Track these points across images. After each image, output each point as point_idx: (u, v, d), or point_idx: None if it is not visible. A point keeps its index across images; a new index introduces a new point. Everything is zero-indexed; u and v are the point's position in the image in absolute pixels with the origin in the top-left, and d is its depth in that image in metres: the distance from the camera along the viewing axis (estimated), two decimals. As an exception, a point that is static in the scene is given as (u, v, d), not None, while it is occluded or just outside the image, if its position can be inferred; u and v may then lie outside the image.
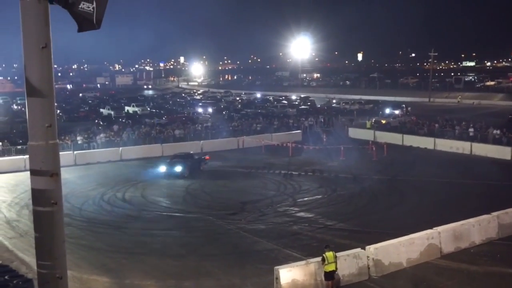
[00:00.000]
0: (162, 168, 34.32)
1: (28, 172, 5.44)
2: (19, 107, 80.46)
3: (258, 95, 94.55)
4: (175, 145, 44.47)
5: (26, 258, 19.26)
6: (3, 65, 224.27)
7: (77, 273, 17.77)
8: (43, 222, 5.42)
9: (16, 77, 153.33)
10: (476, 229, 20.62)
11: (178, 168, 33.98)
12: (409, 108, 65.61)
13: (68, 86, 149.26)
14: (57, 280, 5.45)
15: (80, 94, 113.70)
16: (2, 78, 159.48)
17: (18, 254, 20.02)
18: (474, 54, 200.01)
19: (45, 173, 5.29)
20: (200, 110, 73.79)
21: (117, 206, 27.68)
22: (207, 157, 37.00)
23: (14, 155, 38.39)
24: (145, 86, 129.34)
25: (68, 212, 25.00)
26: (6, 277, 14.97)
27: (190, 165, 34.78)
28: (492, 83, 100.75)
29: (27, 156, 5.48)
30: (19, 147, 39.32)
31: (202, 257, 19.84)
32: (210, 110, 72.99)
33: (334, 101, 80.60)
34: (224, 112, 70.40)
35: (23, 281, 14.76)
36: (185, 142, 45.52)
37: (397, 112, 61.84)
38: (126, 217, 25.64)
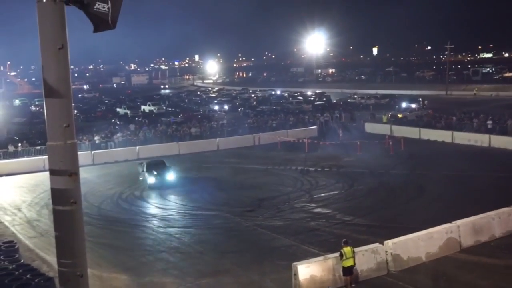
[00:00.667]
0: (151, 180, 30.97)
1: (47, 172, 5.51)
2: (37, 108, 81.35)
3: (278, 91, 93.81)
4: (192, 143, 44.67)
5: (47, 257, 19.50)
6: (21, 67, 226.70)
7: (97, 271, 17.95)
8: (63, 221, 5.48)
9: (33, 79, 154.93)
10: (496, 222, 20.41)
11: (171, 177, 31.46)
12: (425, 102, 65.07)
13: (85, 87, 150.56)
14: (78, 278, 5.51)
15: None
16: (19, 79, 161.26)
17: (39, 253, 20.28)
18: (491, 45, 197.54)
19: (64, 173, 5.35)
20: (215, 107, 74.00)
21: (135, 204, 27.93)
22: None
23: (33, 156, 38.85)
24: (162, 86, 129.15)
25: (87, 211, 25.25)
26: (28, 276, 15.19)
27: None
28: (511, 74, 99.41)
29: (46, 156, 5.56)
30: (38, 147, 39.79)
31: (220, 254, 19.94)
32: (225, 107, 73.17)
33: (355, 96, 79.71)
34: (239, 110, 70.39)
35: (45, 280, 14.96)
36: (201, 140, 45.69)
37: (413, 106, 61.34)
38: (144, 215, 25.87)
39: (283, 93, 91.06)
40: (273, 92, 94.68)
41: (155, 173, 31.37)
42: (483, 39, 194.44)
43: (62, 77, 5.27)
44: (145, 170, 32.10)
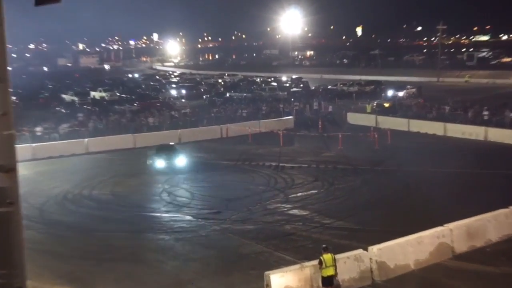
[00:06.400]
0: (160, 163, 33.91)
1: (-20, 168, 5.39)
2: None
3: (249, 77, 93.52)
4: (149, 135, 44.41)
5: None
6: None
7: (38, 283, 17.65)
8: (-2, 225, 5.37)
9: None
10: (493, 225, 20.79)
11: (182, 161, 34.32)
12: (414, 90, 65.78)
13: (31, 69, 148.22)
14: (16, 291, 5.42)
15: None
16: None
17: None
18: (488, 26, 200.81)
19: (0, 169, 5.24)
20: (177, 94, 73.89)
21: (83, 206, 27.65)
22: None
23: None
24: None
25: (27, 213, 24.81)
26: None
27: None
28: (509, 59, 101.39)
29: (-22, 149, 5.41)
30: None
31: (182, 263, 19.91)
32: (185, 93, 73.56)
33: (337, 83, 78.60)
34: (204, 97, 70.41)
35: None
36: (160, 132, 45.48)
37: (401, 94, 62.04)
38: (93, 218, 25.59)
39: (254, 79, 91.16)
40: (243, 77, 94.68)
41: (164, 156, 34.21)
42: (480, 19, 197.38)
43: (-3, 58, 5.15)
44: (154, 153, 34.87)
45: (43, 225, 24.44)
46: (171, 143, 38.00)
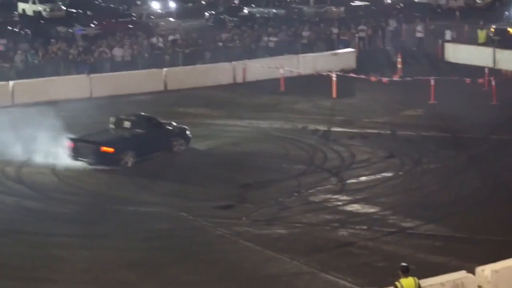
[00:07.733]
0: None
1: None
2: None
3: None
4: (115, 76, 44.84)
5: None
6: None
7: None
8: None
9: None
10: None
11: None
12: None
13: None
14: None
15: None
16: None
17: None
18: None
19: None
20: (161, 10, 74.25)
21: (6, 192, 27.86)
22: None
23: None
24: None
25: None
26: None
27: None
28: None
29: None
30: None
31: (168, 287, 19.85)
32: (175, 7, 74.39)
33: None
34: (207, 14, 71.16)
35: None
36: (134, 71, 45.94)
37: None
38: (24, 212, 25.74)
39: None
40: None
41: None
42: None
43: None
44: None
45: None
46: (131, 116, 33.49)
